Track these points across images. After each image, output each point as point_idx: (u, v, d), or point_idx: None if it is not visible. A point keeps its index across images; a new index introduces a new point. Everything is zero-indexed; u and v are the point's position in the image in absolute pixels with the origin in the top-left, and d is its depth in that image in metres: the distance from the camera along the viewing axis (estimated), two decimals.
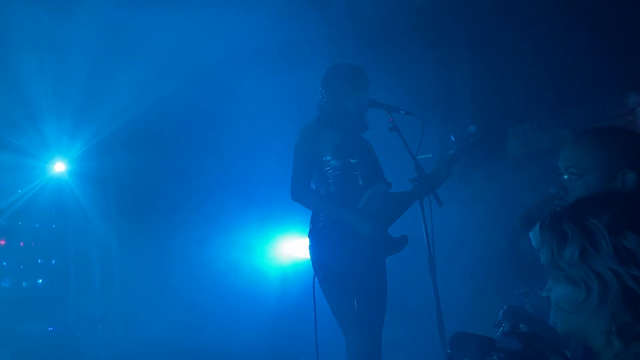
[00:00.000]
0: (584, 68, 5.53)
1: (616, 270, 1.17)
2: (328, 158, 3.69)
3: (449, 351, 1.74)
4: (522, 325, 2.21)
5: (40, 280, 6.24)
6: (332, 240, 3.60)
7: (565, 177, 1.97)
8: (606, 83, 5.74)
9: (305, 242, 3.82)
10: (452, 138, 3.65)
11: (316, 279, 3.63)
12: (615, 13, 5.04)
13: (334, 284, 3.56)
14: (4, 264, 6.05)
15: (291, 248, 6.25)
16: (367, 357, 3.56)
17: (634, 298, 1.15)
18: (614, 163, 1.83)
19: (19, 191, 6.10)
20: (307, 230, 3.79)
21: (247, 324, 5.96)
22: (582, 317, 1.22)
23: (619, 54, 5.30)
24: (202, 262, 6.39)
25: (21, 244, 6.22)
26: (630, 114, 5.83)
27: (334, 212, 3.64)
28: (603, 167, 1.85)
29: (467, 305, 4.49)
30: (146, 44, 4.89)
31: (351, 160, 3.70)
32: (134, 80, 5.37)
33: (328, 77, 3.86)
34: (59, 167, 6.33)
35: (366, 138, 3.92)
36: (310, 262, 3.73)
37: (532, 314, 2.33)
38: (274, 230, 6.37)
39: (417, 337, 4.72)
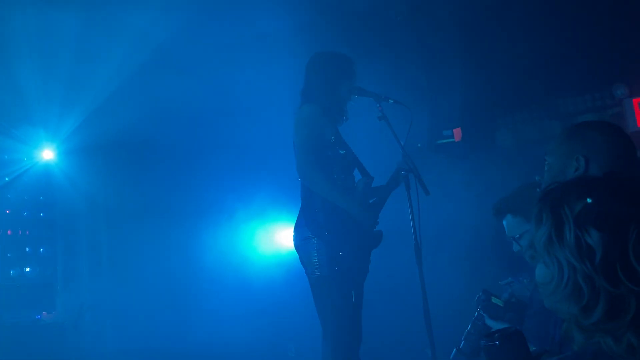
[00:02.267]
0: (574, 60, 5.55)
1: (572, 263, 1.19)
2: (322, 148, 3.63)
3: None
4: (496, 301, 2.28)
5: (28, 269, 6.22)
6: (338, 230, 3.50)
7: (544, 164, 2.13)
8: (595, 75, 5.78)
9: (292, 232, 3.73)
10: (419, 145, 3.69)
11: (311, 274, 3.54)
12: (604, 7, 5.06)
13: (335, 278, 3.47)
14: None
15: (281, 238, 6.25)
16: (350, 348, 3.53)
17: (580, 293, 1.18)
18: (572, 149, 2.00)
19: (6, 179, 6.06)
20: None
21: (236, 313, 5.97)
22: (551, 298, 1.25)
23: (607, 47, 5.33)
24: (193, 252, 6.37)
25: (9, 232, 6.19)
26: (618, 106, 5.88)
27: (342, 200, 3.51)
28: (563, 152, 2.03)
29: (454, 294, 4.51)
30: (133, 30, 4.85)
31: (340, 152, 3.67)
32: (121, 68, 5.33)
33: (318, 63, 3.77)
34: (47, 154, 6.28)
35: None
36: (301, 256, 3.62)
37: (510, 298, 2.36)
38: (266, 220, 6.36)
39: (403, 325, 4.74)
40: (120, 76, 5.35)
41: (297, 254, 3.65)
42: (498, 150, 5.92)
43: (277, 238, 6.23)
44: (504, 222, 2.59)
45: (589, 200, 1.19)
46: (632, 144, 2.06)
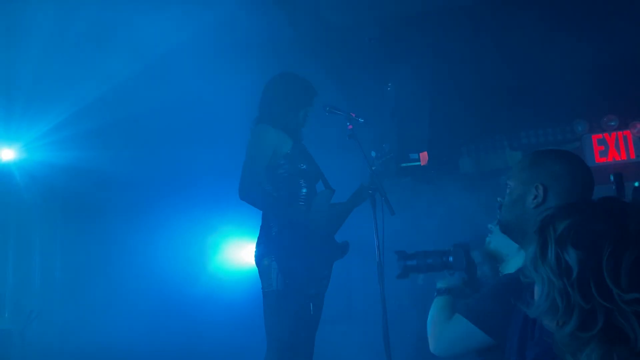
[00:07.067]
0: (539, 95, 5.74)
1: (552, 279, 1.26)
2: (282, 162, 3.68)
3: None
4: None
5: None
6: (290, 244, 3.54)
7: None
8: (558, 111, 5.99)
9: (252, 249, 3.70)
10: (373, 154, 3.78)
11: (265, 288, 3.54)
12: (570, 46, 5.24)
13: (288, 293, 3.48)
14: None
15: (239, 254, 6.19)
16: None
17: (555, 308, 1.25)
18: (533, 177, 2.08)
19: None
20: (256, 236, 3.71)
21: (188, 326, 5.88)
22: (537, 311, 1.31)
23: (572, 84, 5.51)
24: (147, 262, 6.26)
25: None
26: (578, 141, 6.10)
27: (286, 212, 3.61)
28: (524, 178, 2.10)
29: (412, 314, 4.54)
30: (103, 33, 4.80)
31: (301, 166, 3.71)
32: (90, 72, 5.25)
33: (279, 85, 3.84)
34: (7, 154, 6.08)
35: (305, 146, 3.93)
36: (259, 269, 3.62)
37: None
38: (223, 232, 6.30)
39: (362, 342, 4.74)
40: (104, 81, 5.27)
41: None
42: (461, 177, 6.04)
43: (240, 252, 6.17)
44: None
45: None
46: (590, 174, 2.14)
